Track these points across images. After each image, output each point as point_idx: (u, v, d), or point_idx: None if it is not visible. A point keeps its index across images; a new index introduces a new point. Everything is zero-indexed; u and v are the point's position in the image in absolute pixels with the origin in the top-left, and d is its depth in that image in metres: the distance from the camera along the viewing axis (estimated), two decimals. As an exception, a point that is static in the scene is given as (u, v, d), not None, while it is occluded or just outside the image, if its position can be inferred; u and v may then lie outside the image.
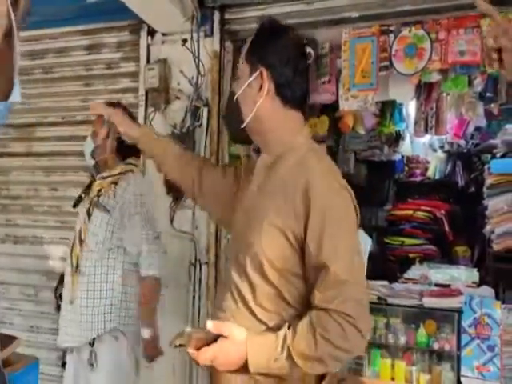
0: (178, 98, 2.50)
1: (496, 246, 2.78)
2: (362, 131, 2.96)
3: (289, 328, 1.08)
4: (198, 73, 2.46)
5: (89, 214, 1.99)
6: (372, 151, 3.91)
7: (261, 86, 1.17)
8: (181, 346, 1.10)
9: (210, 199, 1.40)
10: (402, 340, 2.30)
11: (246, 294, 1.14)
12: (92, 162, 2.06)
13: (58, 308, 2.10)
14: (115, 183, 2.02)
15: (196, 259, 2.40)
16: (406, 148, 3.80)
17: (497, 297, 2.65)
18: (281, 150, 1.19)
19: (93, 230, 1.98)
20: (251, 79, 1.17)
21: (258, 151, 1.31)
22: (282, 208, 1.11)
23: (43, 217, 2.95)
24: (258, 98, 1.17)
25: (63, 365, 2.13)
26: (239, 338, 1.08)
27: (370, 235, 4.23)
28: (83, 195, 2.07)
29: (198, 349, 1.09)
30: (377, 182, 4.26)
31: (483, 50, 2.18)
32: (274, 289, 1.12)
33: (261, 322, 1.13)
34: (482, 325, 2.23)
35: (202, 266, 2.39)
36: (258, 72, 1.17)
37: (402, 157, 3.99)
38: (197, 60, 2.44)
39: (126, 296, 1.98)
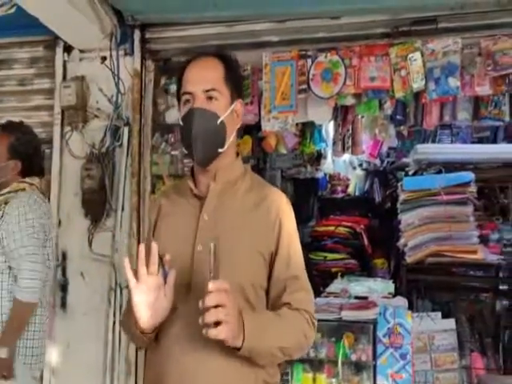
0: (96, 116, 2.45)
1: (408, 259, 2.97)
2: (284, 151, 3.05)
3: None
4: (118, 91, 2.42)
5: None
6: (297, 169, 4.04)
7: (237, 115, 1.26)
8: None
9: None
10: (323, 353, 2.37)
11: None
12: None
13: None
14: (6, 202, 1.91)
15: (116, 283, 2.32)
16: (327, 166, 3.97)
17: (410, 306, 2.83)
18: (229, 177, 1.23)
19: None
20: (233, 106, 1.23)
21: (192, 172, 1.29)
22: (256, 230, 1.19)
23: None
24: (236, 125, 1.26)
25: None
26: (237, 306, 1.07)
27: (297, 250, 4.37)
28: None
29: None
30: (302, 199, 4.40)
31: (392, 77, 2.36)
32: (250, 305, 1.17)
33: None
34: (395, 334, 2.36)
35: (123, 291, 2.32)
36: (238, 101, 1.25)
37: (325, 174, 4.16)
38: (116, 78, 2.40)
39: None
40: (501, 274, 3.07)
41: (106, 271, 2.35)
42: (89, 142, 2.42)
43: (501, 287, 3.11)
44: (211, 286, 1.00)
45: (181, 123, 1.22)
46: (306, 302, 1.21)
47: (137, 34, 2.48)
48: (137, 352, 2.32)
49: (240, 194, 1.23)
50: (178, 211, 1.25)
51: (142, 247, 1.10)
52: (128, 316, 1.19)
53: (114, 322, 2.34)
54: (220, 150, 1.20)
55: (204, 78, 1.21)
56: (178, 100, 1.26)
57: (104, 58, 2.43)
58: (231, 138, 1.23)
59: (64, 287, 2.41)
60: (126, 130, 2.43)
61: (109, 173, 2.35)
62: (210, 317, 1.00)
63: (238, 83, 1.27)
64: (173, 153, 2.47)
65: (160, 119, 2.49)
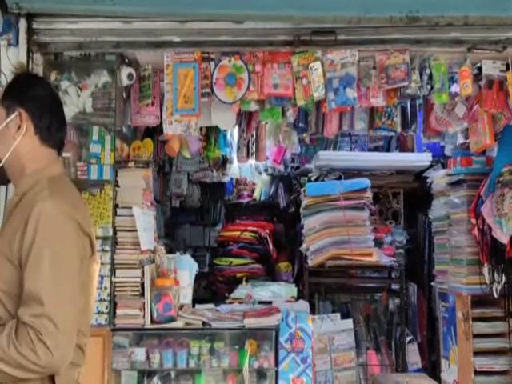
0: (-28, 113, 2.15)
1: (310, 262, 3.06)
2: (187, 155, 2.97)
3: None
4: (1, 86, 2.17)
5: None
6: (204, 172, 3.99)
7: (19, 126, 1.30)
8: None
9: None
10: (226, 362, 2.33)
11: None
12: None
13: None
14: None
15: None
16: (234, 171, 3.96)
17: (312, 308, 2.91)
18: (27, 187, 1.27)
19: None
20: (8, 120, 1.29)
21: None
22: (11, 236, 1.21)
23: None
24: (17, 136, 1.30)
25: None
26: None
27: (204, 256, 4.30)
28: None
29: None
30: (209, 203, 4.35)
31: (294, 85, 2.39)
32: (8, 314, 1.19)
33: None
34: (297, 339, 2.39)
35: None
36: (16, 113, 1.29)
37: (231, 179, 4.14)
38: (-2, 71, 2.15)
39: None
40: (393, 275, 3.29)
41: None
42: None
43: (393, 287, 3.33)
44: None
45: None
46: (30, 315, 1.14)
47: (22, 24, 2.24)
48: None
49: (24, 204, 1.26)
50: None
51: None
52: None
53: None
54: None
55: None
56: None
57: (-18, 48, 2.15)
58: (9, 149, 1.28)
59: None
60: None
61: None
62: None
63: (22, 95, 1.31)
64: (65, 155, 2.27)
65: (49, 118, 2.26)
